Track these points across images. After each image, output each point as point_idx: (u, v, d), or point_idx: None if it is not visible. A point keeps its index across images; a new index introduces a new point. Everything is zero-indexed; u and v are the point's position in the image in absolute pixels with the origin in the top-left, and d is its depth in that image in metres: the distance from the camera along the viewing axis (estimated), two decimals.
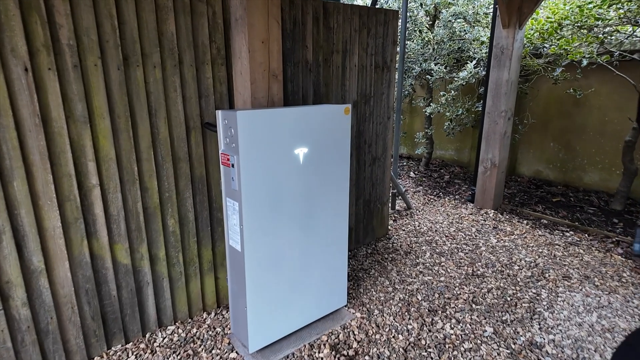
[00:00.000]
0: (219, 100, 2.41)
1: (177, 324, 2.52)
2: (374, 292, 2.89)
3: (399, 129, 4.33)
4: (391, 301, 2.78)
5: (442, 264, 3.31)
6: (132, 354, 2.25)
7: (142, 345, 2.33)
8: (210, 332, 2.45)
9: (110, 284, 2.22)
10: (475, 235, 3.87)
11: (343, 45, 3.03)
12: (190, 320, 2.57)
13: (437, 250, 3.57)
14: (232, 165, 1.96)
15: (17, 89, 1.77)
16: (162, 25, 2.12)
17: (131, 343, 2.35)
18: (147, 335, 2.41)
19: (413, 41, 5.35)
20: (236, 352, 2.28)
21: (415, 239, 3.82)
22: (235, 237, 2.09)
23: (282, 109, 2.01)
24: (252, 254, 2.07)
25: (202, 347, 2.33)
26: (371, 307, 2.72)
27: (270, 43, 2.22)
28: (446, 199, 4.94)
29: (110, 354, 2.26)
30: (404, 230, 4.03)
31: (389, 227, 4.09)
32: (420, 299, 2.82)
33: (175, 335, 2.42)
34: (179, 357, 2.24)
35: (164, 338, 2.40)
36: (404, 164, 6.70)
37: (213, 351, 2.29)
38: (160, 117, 2.21)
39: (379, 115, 3.46)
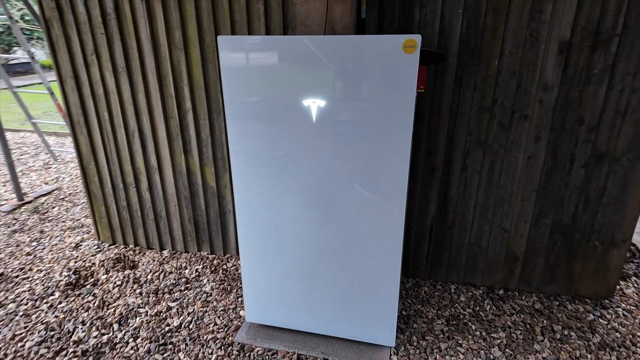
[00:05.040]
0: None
1: None
2: None
3: None
4: None
5: None
6: (200, 264, 2.55)
7: (216, 262, 2.57)
8: None
9: (200, 199, 2.52)
10: None
11: None
12: None
13: None
14: None
15: (138, 15, 2.17)
16: None
17: (214, 255, 2.65)
18: (227, 256, 2.63)
19: None
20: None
21: None
22: None
23: (280, 37, 1.41)
24: (243, 219, 1.74)
25: (235, 290, 2.30)
26: None
27: None
28: None
29: (197, 255, 2.66)
30: None
31: (620, 287, 2.21)
32: None
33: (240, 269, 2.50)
34: (217, 285, 2.33)
35: (233, 266, 2.54)
36: None
37: (238, 300, 2.22)
38: None
39: (630, 74, 1.75)
